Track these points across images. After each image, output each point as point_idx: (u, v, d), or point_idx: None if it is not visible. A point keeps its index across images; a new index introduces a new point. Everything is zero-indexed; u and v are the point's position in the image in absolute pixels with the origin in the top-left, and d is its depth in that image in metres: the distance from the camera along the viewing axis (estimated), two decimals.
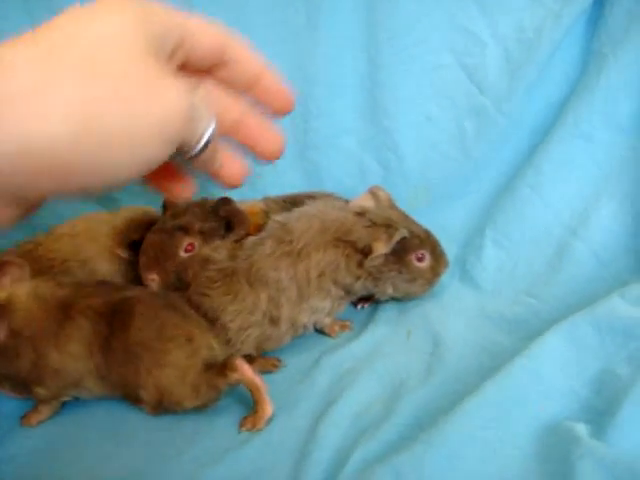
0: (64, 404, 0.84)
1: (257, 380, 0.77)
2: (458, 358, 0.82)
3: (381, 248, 0.86)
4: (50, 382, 0.79)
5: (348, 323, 0.95)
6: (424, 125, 1.10)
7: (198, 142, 0.51)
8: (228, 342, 0.85)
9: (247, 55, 0.59)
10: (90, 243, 0.98)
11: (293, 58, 1.10)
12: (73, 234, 0.98)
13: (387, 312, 0.96)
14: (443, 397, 0.74)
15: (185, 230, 0.90)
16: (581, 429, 0.62)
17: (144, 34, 0.49)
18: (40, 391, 0.80)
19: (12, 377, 0.79)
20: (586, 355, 0.71)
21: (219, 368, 0.77)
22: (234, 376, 0.76)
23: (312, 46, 1.09)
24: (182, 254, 0.90)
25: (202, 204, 0.94)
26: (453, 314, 0.92)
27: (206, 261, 0.88)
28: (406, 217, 0.93)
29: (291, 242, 0.86)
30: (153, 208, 1.04)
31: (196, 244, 0.91)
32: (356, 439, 0.71)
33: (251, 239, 0.89)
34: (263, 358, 0.89)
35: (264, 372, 0.85)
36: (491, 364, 0.76)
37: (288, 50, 1.09)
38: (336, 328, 0.94)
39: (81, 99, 0.42)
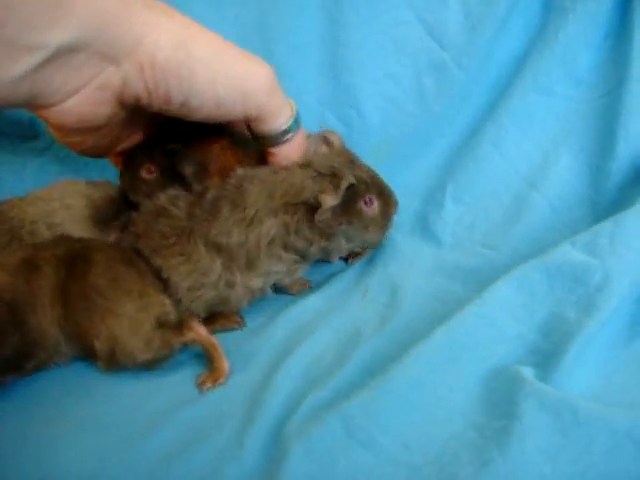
0: None
1: (212, 339, 0.78)
2: (412, 308, 0.83)
3: (329, 200, 0.80)
4: (38, 352, 0.80)
5: (307, 282, 0.95)
6: (385, 82, 1.09)
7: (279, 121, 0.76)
8: (178, 302, 0.83)
9: None
10: (64, 210, 0.96)
11: (253, 17, 1.08)
12: (48, 199, 0.97)
13: (347, 268, 0.97)
14: (395, 345, 0.74)
15: (148, 155, 0.90)
16: (527, 372, 0.63)
17: None
18: (29, 366, 0.80)
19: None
20: (535, 300, 0.72)
21: (173, 326, 0.78)
22: (189, 335, 0.78)
23: (272, 5, 1.08)
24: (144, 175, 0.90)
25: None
26: (412, 269, 0.92)
27: (161, 213, 0.84)
28: (352, 161, 0.89)
29: (244, 209, 0.82)
30: None
31: (155, 171, 0.90)
32: (308, 387, 0.71)
33: (211, 196, 0.84)
34: (224, 316, 0.88)
35: (226, 329, 0.86)
36: (444, 312, 0.76)
37: (248, 9, 1.08)
38: (296, 287, 0.93)
39: (187, 29, 0.69)
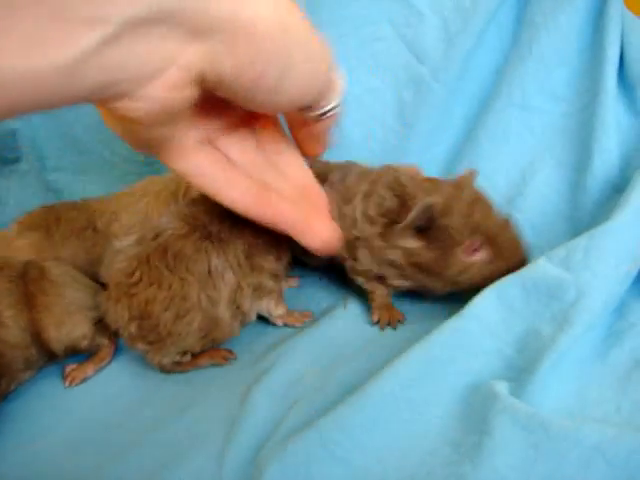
0: None
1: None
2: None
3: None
4: (7, 370, 0.82)
5: (309, 313, 0.91)
6: (365, 97, 1.10)
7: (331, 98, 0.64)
8: (168, 336, 0.79)
9: None
10: (145, 197, 1.03)
11: None
12: (132, 193, 1.04)
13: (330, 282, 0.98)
14: (378, 364, 0.73)
15: None
16: (501, 387, 0.63)
17: None
18: (3, 384, 0.82)
19: None
20: (513, 315, 0.72)
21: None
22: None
23: None
24: None
25: None
26: None
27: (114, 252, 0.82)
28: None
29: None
30: None
31: None
32: (287, 408, 0.72)
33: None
34: (213, 349, 0.85)
35: (214, 364, 0.85)
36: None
37: None
38: (295, 316, 0.90)
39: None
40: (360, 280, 0.87)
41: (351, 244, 0.83)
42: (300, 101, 0.62)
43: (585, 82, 0.97)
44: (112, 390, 0.83)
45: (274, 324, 0.89)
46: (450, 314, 0.73)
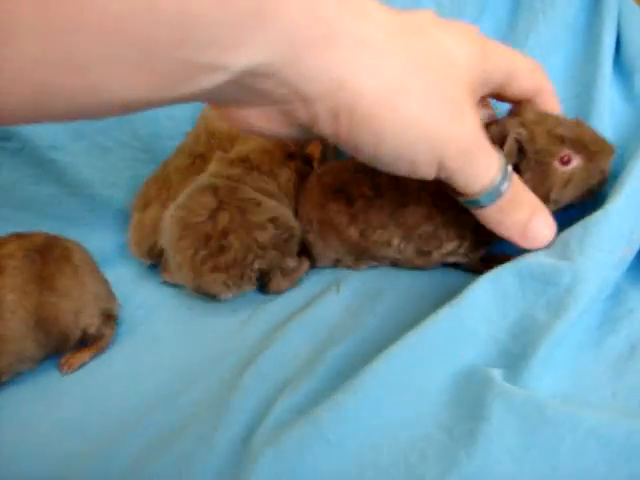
0: None
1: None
2: (389, 308, 0.83)
3: None
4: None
5: None
6: None
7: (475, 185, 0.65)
8: None
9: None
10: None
11: None
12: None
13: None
14: (369, 346, 0.75)
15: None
16: (496, 373, 0.63)
17: (477, 70, 0.62)
18: None
19: None
20: (507, 302, 0.71)
21: None
22: None
23: None
24: None
25: None
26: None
27: None
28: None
29: None
30: None
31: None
32: (279, 389, 0.71)
33: None
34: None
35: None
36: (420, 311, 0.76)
37: None
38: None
39: (403, 77, 0.55)
40: None
41: None
42: (412, 175, 0.63)
43: (581, 68, 0.96)
44: (104, 376, 0.83)
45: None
46: (444, 294, 0.74)
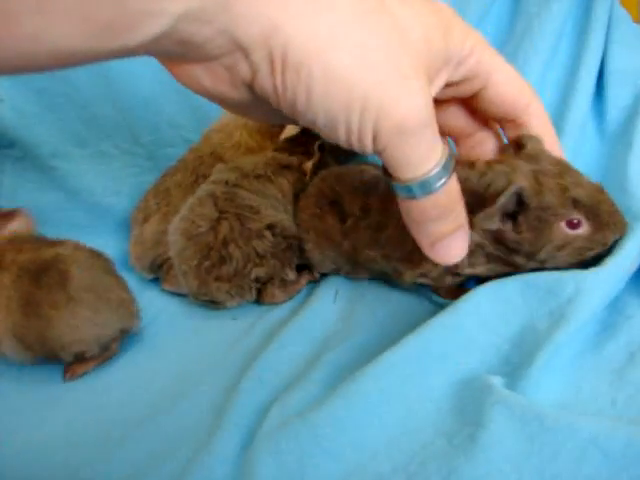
0: None
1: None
2: (383, 315, 0.84)
3: None
4: None
5: None
6: None
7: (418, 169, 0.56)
8: None
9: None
10: (239, 129, 1.07)
11: None
12: (219, 128, 1.09)
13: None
14: (365, 353, 0.75)
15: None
16: (497, 381, 0.63)
17: (436, 42, 0.56)
18: None
19: None
20: (509, 311, 0.71)
21: None
22: None
23: None
24: None
25: None
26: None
27: None
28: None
29: None
30: None
31: None
32: (276, 394, 0.72)
33: None
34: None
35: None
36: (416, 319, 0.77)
37: None
38: None
39: (340, 29, 0.49)
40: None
41: None
42: (337, 136, 0.55)
43: (566, 78, 0.97)
44: (105, 383, 0.83)
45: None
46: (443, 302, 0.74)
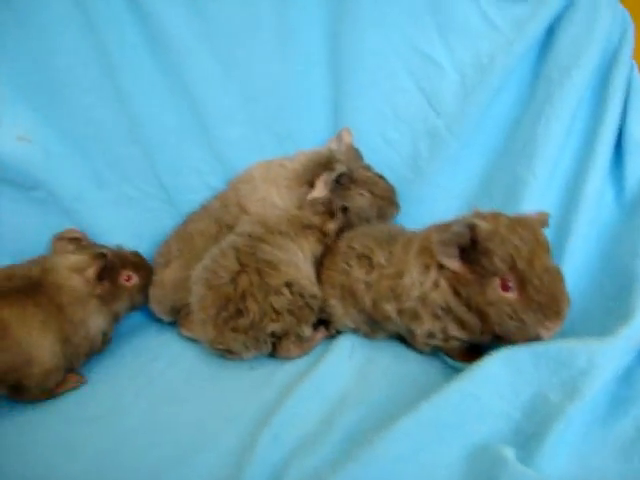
0: None
1: None
2: (397, 378, 0.86)
3: None
4: None
5: None
6: (383, 148, 1.15)
7: None
8: None
9: None
10: (266, 184, 1.10)
11: (264, 81, 1.14)
12: (247, 180, 1.12)
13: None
14: (380, 415, 0.77)
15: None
16: (509, 452, 0.65)
17: None
18: None
19: None
20: (521, 380, 0.73)
21: None
22: None
23: (282, 70, 1.14)
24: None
25: None
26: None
27: None
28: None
29: None
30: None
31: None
32: (294, 452, 0.74)
33: None
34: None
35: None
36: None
37: (260, 73, 1.14)
38: None
39: None
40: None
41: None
42: None
43: (585, 145, 1.00)
44: (121, 428, 0.85)
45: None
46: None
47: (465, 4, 1.07)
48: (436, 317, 0.83)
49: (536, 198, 0.99)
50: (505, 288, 0.76)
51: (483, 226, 0.76)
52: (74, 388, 0.95)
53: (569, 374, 0.71)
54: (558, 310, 0.74)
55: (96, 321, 0.97)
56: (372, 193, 1.07)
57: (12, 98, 1.05)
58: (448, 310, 0.82)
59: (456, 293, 0.80)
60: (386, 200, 1.08)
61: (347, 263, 0.95)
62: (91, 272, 0.95)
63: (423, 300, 0.83)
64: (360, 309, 0.93)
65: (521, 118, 1.06)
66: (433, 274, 0.82)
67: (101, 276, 0.96)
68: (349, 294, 0.94)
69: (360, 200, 1.07)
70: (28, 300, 0.90)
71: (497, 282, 0.76)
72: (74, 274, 0.95)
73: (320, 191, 1.03)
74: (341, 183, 1.06)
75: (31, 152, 1.05)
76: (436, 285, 0.82)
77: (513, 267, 0.74)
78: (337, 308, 0.96)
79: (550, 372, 0.73)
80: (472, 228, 0.76)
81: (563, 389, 0.71)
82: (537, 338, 0.75)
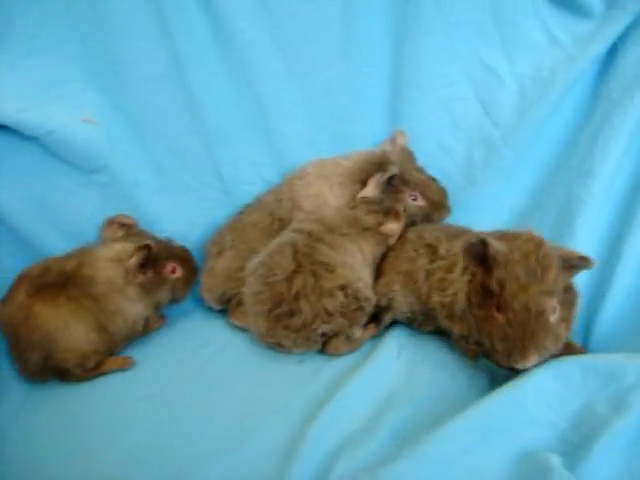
0: None
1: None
2: (443, 381, 0.88)
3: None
4: None
5: None
6: (438, 153, 1.16)
7: None
8: None
9: None
10: (319, 180, 1.13)
11: (326, 81, 1.16)
12: (301, 176, 1.16)
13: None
14: (426, 415, 0.80)
15: None
16: (556, 460, 0.66)
17: None
18: None
19: None
20: (569, 391, 0.75)
21: None
22: None
23: (344, 71, 1.16)
24: None
25: None
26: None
27: None
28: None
29: None
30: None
31: None
32: (343, 444, 0.76)
33: None
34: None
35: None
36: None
37: (322, 73, 1.16)
38: None
39: None
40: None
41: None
42: None
43: None
44: (169, 414, 0.88)
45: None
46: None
47: (529, 18, 1.08)
48: (461, 319, 0.87)
49: (592, 216, 1.00)
50: (498, 309, 0.78)
51: (494, 245, 0.78)
52: (123, 369, 0.98)
53: (617, 389, 0.73)
54: (522, 350, 0.76)
55: (135, 308, 1.01)
56: (424, 195, 1.08)
57: (81, 79, 1.09)
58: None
59: (468, 298, 0.84)
60: (437, 203, 1.10)
61: (415, 251, 0.98)
62: (133, 262, 0.98)
63: (454, 296, 0.87)
64: (417, 296, 0.95)
65: (578, 135, 1.07)
66: (467, 276, 0.85)
67: (144, 266, 0.99)
68: (411, 281, 0.96)
69: (411, 202, 1.09)
70: (61, 293, 0.95)
71: (494, 300, 0.79)
72: (112, 264, 0.99)
73: (371, 190, 1.06)
74: (393, 184, 1.08)
75: (95, 135, 1.08)
76: (463, 287, 0.85)
77: (502, 292, 0.77)
78: (398, 294, 0.98)
79: (598, 386, 0.74)
80: (484, 244, 0.79)
81: (611, 403, 0.72)
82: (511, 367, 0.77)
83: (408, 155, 1.13)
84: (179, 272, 1.06)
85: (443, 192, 1.11)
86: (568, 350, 0.83)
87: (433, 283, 0.92)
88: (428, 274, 0.94)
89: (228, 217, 1.18)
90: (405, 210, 1.06)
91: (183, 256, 1.08)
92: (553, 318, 0.76)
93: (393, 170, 1.06)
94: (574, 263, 0.79)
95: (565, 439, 0.72)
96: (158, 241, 1.05)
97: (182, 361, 0.99)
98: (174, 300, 1.08)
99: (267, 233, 1.07)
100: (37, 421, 0.89)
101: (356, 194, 1.08)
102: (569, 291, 0.80)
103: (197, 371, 0.96)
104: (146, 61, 1.10)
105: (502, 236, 0.82)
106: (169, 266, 1.05)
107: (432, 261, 0.94)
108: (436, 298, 0.91)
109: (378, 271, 1.03)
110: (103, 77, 1.10)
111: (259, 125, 1.18)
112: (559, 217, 1.03)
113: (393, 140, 1.14)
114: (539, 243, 0.79)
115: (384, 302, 1.00)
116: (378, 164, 1.09)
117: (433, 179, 1.11)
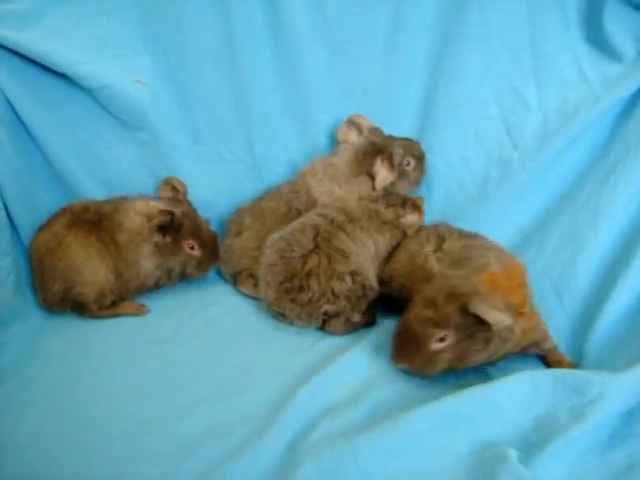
0: None
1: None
2: None
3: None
4: None
5: None
6: (457, 164, 1.22)
7: None
8: None
9: None
10: (327, 180, 1.20)
11: (364, 82, 1.24)
12: (311, 173, 1.22)
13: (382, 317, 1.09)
14: (409, 398, 0.88)
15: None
16: (513, 453, 0.73)
17: None
18: None
19: None
20: (538, 397, 0.82)
21: None
22: None
23: (383, 75, 1.23)
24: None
25: None
26: None
27: None
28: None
29: None
30: None
31: None
32: (327, 411, 0.84)
33: None
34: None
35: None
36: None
37: (362, 73, 1.24)
38: None
39: None
40: None
41: None
42: None
43: None
44: (171, 362, 0.97)
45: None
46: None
47: (564, 53, 1.14)
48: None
49: (593, 253, 1.05)
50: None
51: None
52: (137, 314, 1.07)
53: (580, 401, 0.79)
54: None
55: (148, 265, 1.09)
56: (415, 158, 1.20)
57: (139, 43, 1.18)
58: None
59: None
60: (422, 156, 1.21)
61: (427, 238, 1.06)
62: (153, 222, 1.05)
63: None
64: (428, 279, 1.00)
65: (590, 171, 1.12)
66: None
67: (164, 229, 1.07)
68: (420, 269, 1.02)
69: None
70: (93, 232, 1.06)
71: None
72: (140, 217, 1.08)
73: (386, 176, 1.15)
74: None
75: (144, 96, 1.17)
76: None
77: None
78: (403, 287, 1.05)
79: (565, 396, 0.81)
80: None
81: (572, 413, 0.79)
82: None
83: (380, 132, 1.21)
84: (196, 251, 1.12)
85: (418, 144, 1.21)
86: (559, 364, 0.94)
87: (429, 272, 1.01)
88: (426, 259, 1.04)
89: (253, 191, 1.26)
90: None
91: (206, 240, 1.13)
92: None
93: (399, 152, 1.16)
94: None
95: (525, 437, 0.79)
96: (192, 216, 1.12)
97: (192, 316, 1.08)
98: (185, 276, 1.14)
99: (283, 220, 1.15)
100: (52, 348, 0.99)
101: (364, 184, 1.18)
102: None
103: (205, 326, 1.05)
104: (202, 35, 1.18)
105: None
106: (190, 242, 1.10)
107: (436, 250, 1.04)
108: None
109: None
110: (159, 44, 1.19)
111: (296, 112, 1.26)
112: (561, 245, 1.09)
113: (356, 125, 1.21)
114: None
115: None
116: (371, 151, 1.18)
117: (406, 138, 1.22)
